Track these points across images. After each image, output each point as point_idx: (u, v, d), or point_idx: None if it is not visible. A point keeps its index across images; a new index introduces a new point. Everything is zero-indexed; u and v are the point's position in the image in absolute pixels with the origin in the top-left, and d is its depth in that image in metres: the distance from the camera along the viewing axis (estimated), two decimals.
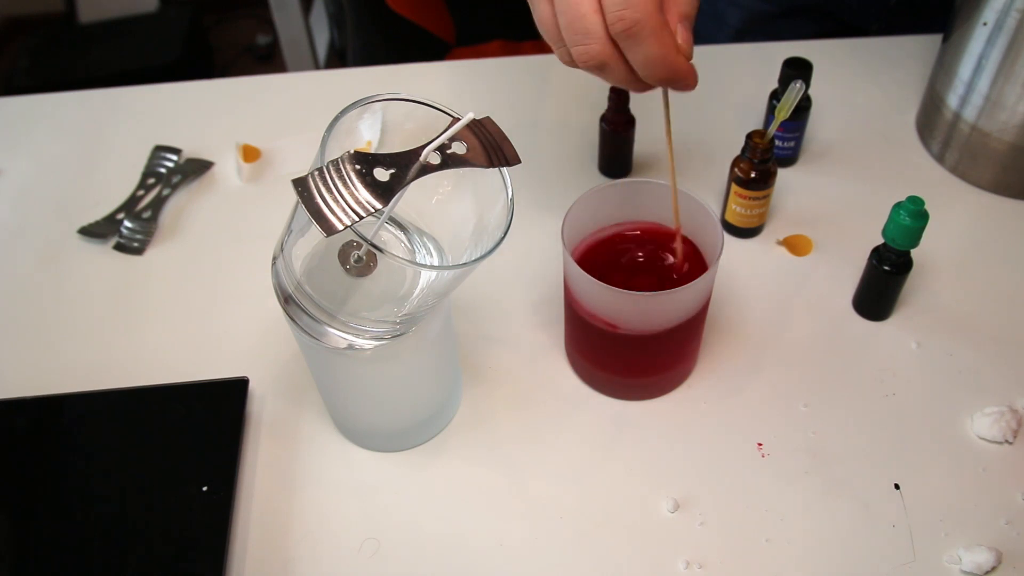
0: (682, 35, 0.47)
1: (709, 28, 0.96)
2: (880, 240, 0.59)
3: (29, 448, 0.57)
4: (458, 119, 0.42)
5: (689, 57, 0.48)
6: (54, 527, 0.52)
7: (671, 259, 0.57)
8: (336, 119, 0.41)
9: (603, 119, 0.71)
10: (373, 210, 0.38)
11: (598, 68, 0.48)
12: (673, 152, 0.53)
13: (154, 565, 0.51)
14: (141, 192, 0.74)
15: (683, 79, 0.48)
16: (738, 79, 0.83)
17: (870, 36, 0.88)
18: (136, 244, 0.70)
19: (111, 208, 0.73)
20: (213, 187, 0.76)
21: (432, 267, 0.48)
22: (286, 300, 0.46)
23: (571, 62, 0.49)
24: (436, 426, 0.58)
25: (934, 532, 0.52)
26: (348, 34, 1.31)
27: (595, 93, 0.76)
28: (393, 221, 0.49)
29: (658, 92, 0.51)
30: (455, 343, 0.58)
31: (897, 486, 0.54)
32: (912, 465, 0.55)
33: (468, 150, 0.42)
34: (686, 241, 0.58)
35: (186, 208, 0.74)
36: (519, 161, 0.43)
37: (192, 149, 0.78)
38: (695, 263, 0.57)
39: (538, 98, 0.83)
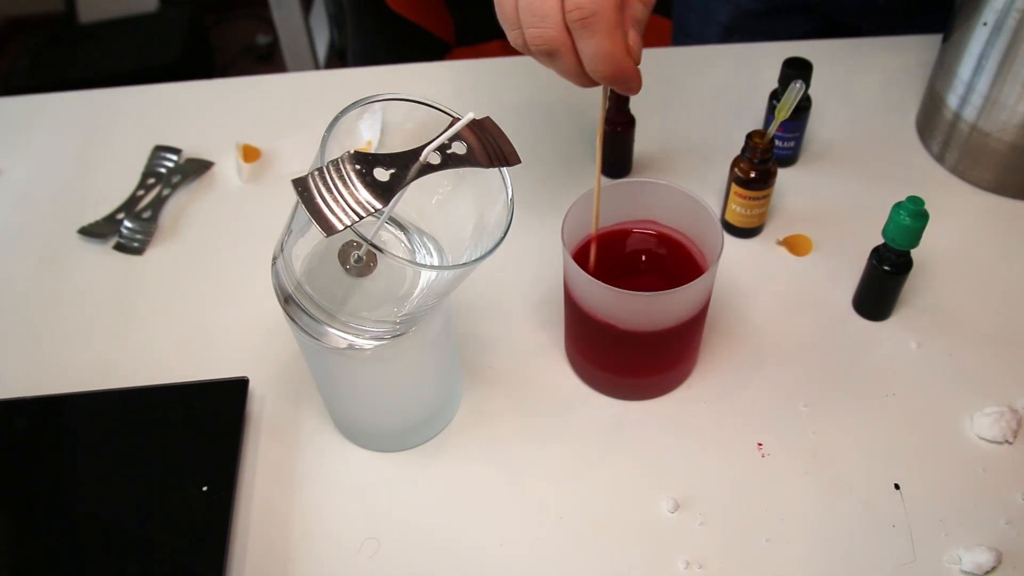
0: (633, 38, 0.48)
1: (699, 25, 0.96)
2: (880, 240, 0.59)
3: (29, 448, 0.57)
4: (458, 119, 0.42)
5: (637, 61, 0.49)
6: (54, 527, 0.52)
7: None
8: (336, 119, 0.41)
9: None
10: (373, 210, 0.38)
11: (548, 54, 0.48)
12: (602, 149, 0.54)
13: (154, 565, 0.51)
14: (141, 192, 0.74)
15: (627, 80, 0.49)
16: (738, 79, 0.83)
17: (861, 34, 0.88)
18: (136, 244, 0.70)
19: (111, 208, 0.73)
20: (213, 187, 0.76)
21: (432, 267, 0.48)
22: (286, 300, 0.46)
23: (524, 46, 0.49)
24: (436, 426, 0.58)
25: (934, 532, 0.52)
26: (348, 34, 1.31)
27: (595, 93, 0.76)
28: (393, 221, 0.49)
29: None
30: (455, 343, 0.58)
31: (897, 486, 0.54)
32: (912, 465, 0.55)
33: (468, 150, 0.42)
34: (685, 241, 0.58)
35: (186, 208, 0.74)
36: (519, 161, 0.43)
37: (192, 149, 0.78)
38: (695, 263, 0.57)
39: (538, 98, 0.83)
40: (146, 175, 0.76)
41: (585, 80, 0.49)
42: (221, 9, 2.36)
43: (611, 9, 0.45)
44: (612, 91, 0.69)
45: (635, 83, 0.49)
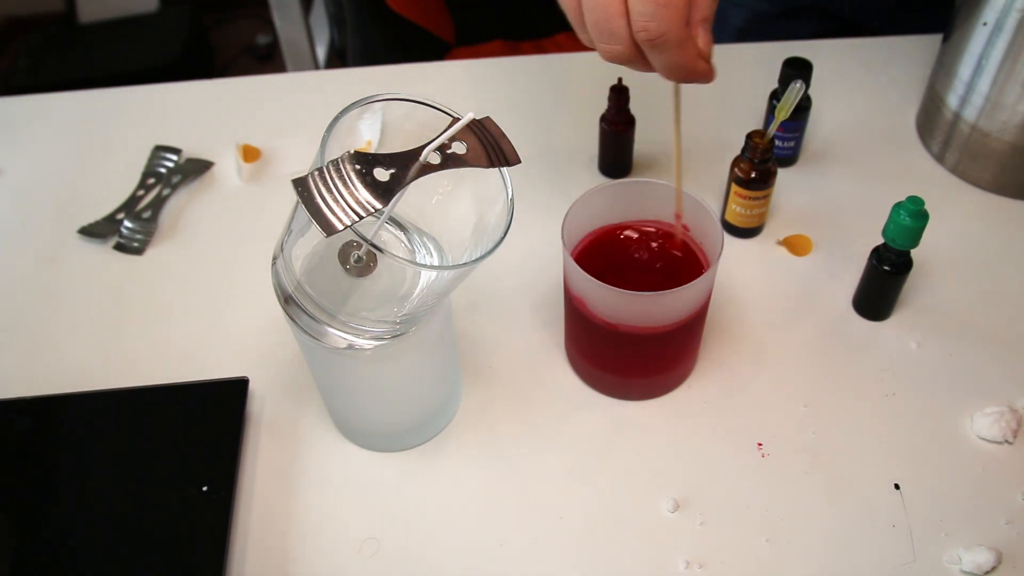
0: (703, 38, 0.48)
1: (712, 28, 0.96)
2: (880, 240, 0.59)
3: (29, 448, 0.57)
4: (458, 119, 0.42)
5: (708, 55, 0.49)
6: (54, 527, 0.52)
7: (672, 250, 0.57)
8: (336, 119, 0.41)
9: (603, 119, 0.71)
10: (373, 210, 0.38)
11: (620, 63, 0.49)
12: (680, 135, 0.53)
13: (154, 565, 0.51)
14: (141, 192, 0.74)
15: (701, 79, 0.49)
16: (738, 79, 0.83)
17: (873, 34, 0.88)
18: (136, 244, 0.70)
19: (111, 208, 0.73)
20: (213, 187, 0.76)
21: (432, 267, 0.48)
22: (286, 300, 0.46)
23: (593, 46, 0.49)
24: (436, 426, 0.58)
25: (934, 532, 0.52)
26: (348, 34, 1.31)
27: (595, 93, 0.76)
28: (393, 221, 0.49)
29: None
30: (455, 343, 0.58)
31: (897, 486, 0.54)
32: (912, 465, 0.55)
33: (468, 150, 0.42)
34: (686, 240, 0.58)
35: (186, 208, 0.74)
36: (519, 161, 0.43)
37: (192, 149, 0.78)
38: (695, 263, 0.57)
39: (538, 98, 0.83)
40: (146, 175, 0.76)
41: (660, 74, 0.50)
42: (221, 9, 2.36)
43: (678, 28, 0.45)
44: (613, 91, 0.69)
45: (710, 78, 0.49)
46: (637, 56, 0.47)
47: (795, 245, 0.68)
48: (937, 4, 0.78)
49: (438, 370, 0.55)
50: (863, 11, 0.89)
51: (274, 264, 0.46)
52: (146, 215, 0.72)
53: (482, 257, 0.42)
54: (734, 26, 0.94)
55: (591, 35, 0.48)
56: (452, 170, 0.41)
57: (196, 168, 0.76)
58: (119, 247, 0.70)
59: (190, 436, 0.56)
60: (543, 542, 0.52)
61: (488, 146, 0.42)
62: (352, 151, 0.39)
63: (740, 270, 0.66)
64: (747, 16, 0.93)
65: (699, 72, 0.48)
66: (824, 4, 0.90)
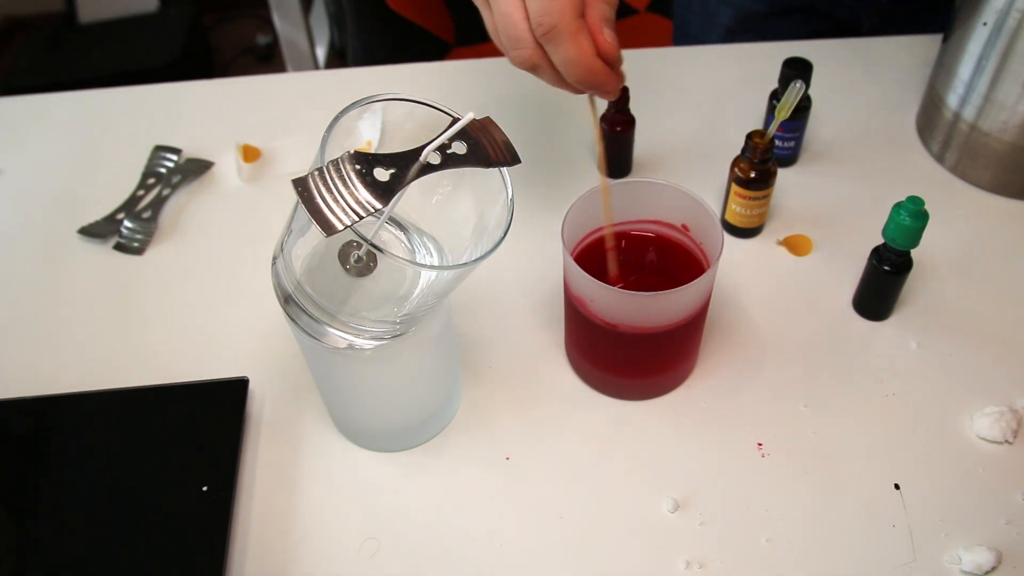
0: (607, 35, 0.50)
1: (701, 27, 0.96)
2: (880, 240, 0.59)
3: (29, 448, 0.57)
4: (458, 119, 0.42)
5: (613, 56, 0.50)
6: (54, 527, 0.52)
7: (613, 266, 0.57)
8: (336, 119, 0.41)
9: (603, 119, 0.71)
10: (373, 210, 0.38)
11: (531, 70, 0.52)
12: (604, 153, 0.54)
13: (154, 565, 0.51)
14: (141, 192, 0.74)
15: (601, 84, 0.51)
16: (738, 79, 0.83)
17: (863, 35, 0.88)
18: (136, 244, 0.70)
19: (111, 208, 0.73)
20: (213, 187, 0.76)
21: (432, 267, 0.48)
22: (286, 300, 0.46)
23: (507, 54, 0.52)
24: (436, 426, 0.58)
25: (934, 532, 0.52)
26: (348, 34, 1.31)
27: None
28: (393, 221, 0.49)
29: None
30: (455, 343, 0.58)
31: (897, 486, 0.54)
32: (912, 465, 0.55)
33: (468, 150, 0.42)
34: (686, 241, 0.58)
35: (186, 208, 0.74)
36: (519, 161, 0.43)
37: (192, 149, 0.78)
38: (695, 263, 0.57)
39: (538, 98, 0.83)
40: (146, 175, 0.76)
41: (569, 87, 0.52)
42: (221, 9, 2.36)
43: (568, 19, 0.48)
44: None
45: (610, 86, 0.51)
46: (544, 58, 0.50)
47: (795, 245, 0.68)
48: (931, 5, 0.78)
49: (438, 370, 0.55)
50: (856, 11, 0.89)
51: (274, 264, 0.46)
52: (146, 215, 0.72)
53: (482, 257, 0.42)
54: (723, 25, 0.94)
55: (504, 44, 0.51)
56: (452, 170, 0.41)
57: (196, 168, 0.76)
58: (119, 247, 0.70)
59: (190, 436, 0.56)
60: (543, 542, 0.52)
61: (488, 146, 0.43)
62: (352, 151, 0.39)
63: (740, 270, 0.66)
64: (736, 15, 0.92)
65: (597, 73, 0.50)
66: (816, 3, 0.89)
